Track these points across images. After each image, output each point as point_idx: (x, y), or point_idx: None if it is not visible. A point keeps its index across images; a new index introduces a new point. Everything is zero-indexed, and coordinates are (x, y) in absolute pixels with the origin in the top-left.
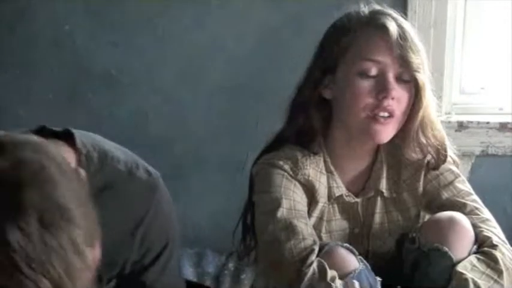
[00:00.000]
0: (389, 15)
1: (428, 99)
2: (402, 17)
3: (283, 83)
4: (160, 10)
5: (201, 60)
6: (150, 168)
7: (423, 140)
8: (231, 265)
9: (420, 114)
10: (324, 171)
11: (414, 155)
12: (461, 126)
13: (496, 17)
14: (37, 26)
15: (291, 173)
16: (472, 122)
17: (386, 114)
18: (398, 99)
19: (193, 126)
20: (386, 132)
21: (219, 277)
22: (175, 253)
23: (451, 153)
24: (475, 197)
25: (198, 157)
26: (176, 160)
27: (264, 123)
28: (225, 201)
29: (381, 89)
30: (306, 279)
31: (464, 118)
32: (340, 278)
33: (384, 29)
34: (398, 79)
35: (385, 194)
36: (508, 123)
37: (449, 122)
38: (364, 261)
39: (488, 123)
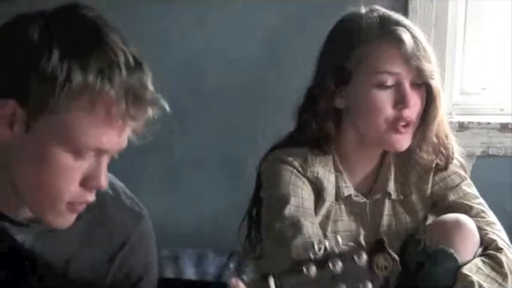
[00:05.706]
0: (400, 23)
1: (443, 102)
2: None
3: (283, 84)
4: (160, 10)
5: (201, 61)
6: (140, 204)
7: (436, 140)
8: (232, 265)
9: (437, 119)
10: (332, 171)
11: (427, 156)
12: (462, 126)
13: (496, 18)
14: None
15: (300, 169)
16: (472, 122)
17: (405, 123)
18: (413, 105)
19: (193, 127)
20: (406, 139)
21: (220, 277)
22: None
23: (458, 156)
24: (481, 200)
25: (198, 158)
26: (176, 161)
27: (264, 124)
28: (225, 202)
29: (399, 100)
30: None
31: (465, 119)
32: None
33: (400, 42)
34: (413, 84)
35: (393, 195)
36: (509, 123)
37: (450, 122)
38: None
39: (489, 123)
